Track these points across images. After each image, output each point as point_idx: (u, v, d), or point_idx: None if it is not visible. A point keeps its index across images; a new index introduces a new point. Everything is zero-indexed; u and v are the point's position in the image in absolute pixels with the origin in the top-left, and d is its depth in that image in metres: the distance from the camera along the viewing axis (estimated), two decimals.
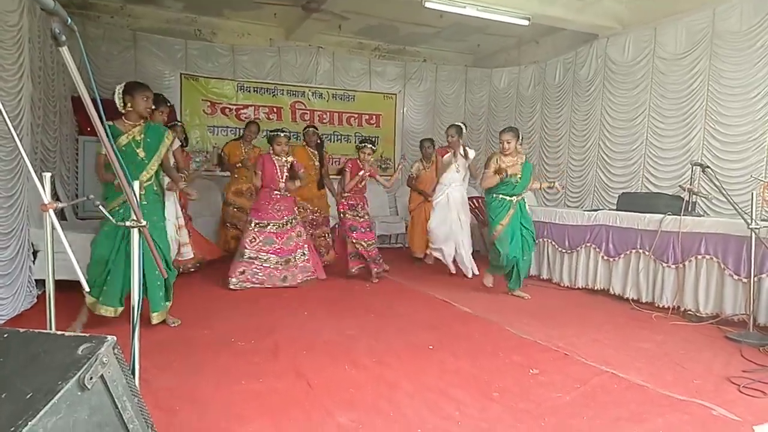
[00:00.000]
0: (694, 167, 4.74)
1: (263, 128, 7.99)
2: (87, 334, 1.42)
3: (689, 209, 4.75)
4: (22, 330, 1.51)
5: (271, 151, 5.31)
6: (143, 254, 3.54)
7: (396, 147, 9.14)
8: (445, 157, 6.09)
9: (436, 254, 6.19)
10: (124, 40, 7.25)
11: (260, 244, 5.23)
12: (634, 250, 4.95)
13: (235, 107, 7.99)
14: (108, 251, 3.61)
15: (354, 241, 5.68)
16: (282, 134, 5.34)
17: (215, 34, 8.01)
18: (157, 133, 3.84)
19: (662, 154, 6.07)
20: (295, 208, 5.64)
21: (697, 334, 4.00)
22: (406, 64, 9.09)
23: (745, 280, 4.02)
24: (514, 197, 5.06)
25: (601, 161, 6.86)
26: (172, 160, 4.20)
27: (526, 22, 6.37)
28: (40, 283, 4.36)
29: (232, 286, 5.08)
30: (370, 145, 5.79)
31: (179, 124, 6.02)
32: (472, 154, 6.04)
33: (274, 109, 8.23)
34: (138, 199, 2.02)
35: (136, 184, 1.93)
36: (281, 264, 5.30)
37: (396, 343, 3.63)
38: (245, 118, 7.92)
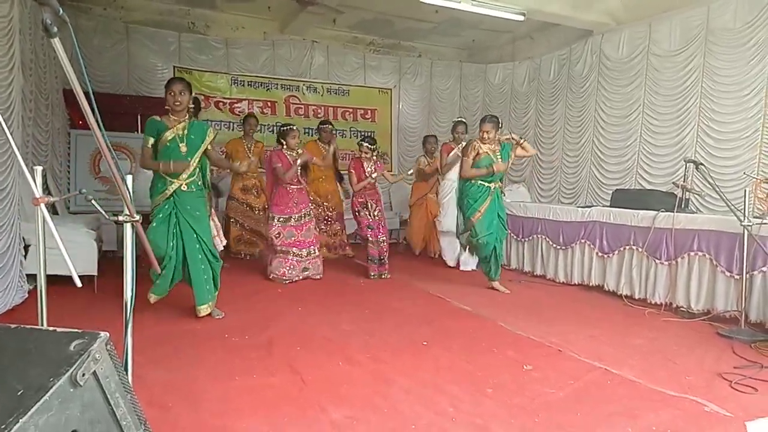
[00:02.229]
0: (687, 164, 4.76)
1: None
2: (79, 330, 1.41)
3: (682, 206, 4.77)
4: (13, 325, 1.49)
5: (285, 146, 5.32)
6: (187, 248, 3.80)
7: (392, 142, 9.11)
8: (451, 153, 6.11)
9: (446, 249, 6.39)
10: (116, 32, 7.18)
11: (284, 238, 5.32)
12: (627, 247, 4.97)
13: (229, 101, 7.95)
14: (164, 243, 3.77)
15: (371, 239, 5.67)
16: (294, 128, 5.40)
17: (209, 27, 7.94)
18: (200, 130, 3.96)
19: (656, 150, 6.08)
20: (310, 203, 5.66)
21: (690, 331, 4.02)
22: (401, 59, 9.07)
23: (737, 277, 4.04)
24: (493, 183, 5.05)
25: (595, 157, 6.88)
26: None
27: (521, 18, 6.36)
28: (31, 277, 4.32)
29: (276, 280, 5.31)
30: (366, 144, 5.76)
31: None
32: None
33: (269, 104, 8.19)
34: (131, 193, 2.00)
35: (129, 179, 1.91)
36: (302, 257, 5.38)
37: (391, 339, 3.63)
38: (239, 112, 7.88)
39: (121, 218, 1.86)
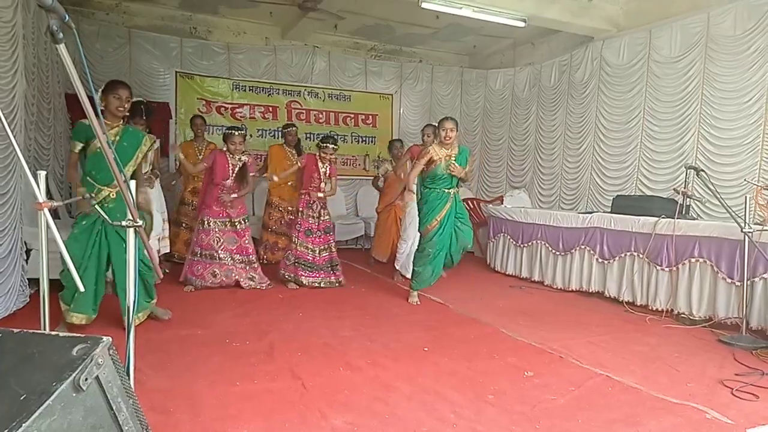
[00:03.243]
0: (688, 170, 4.77)
1: (259, 127, 7.99)
2: (82, 335, 1.41)
3: (683, 212, 4.78)
4: (16, 330, 1.49)
5: (225, 149, 5.14)
6: (114, 258, 3.49)
7: None
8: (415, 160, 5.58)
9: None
10: (118, 37, 7.20)
11: (212, 241, 5.11)
12: (628, 253, 4.97)
13: (230, 106, 7.96)
14: (81, 252, 3.47)
15: (299, 243, 5.37)
16: (237, 132, 5.12)
17: (211, 32, 7.97)
18: (134, 138, 3.70)
19: (656, 156, 6.09)
20: (245, 212, 5.38)
21: (691, 337, 4.02)
22: (402, 65, 9.09)
23: (738, 284, 4.05)
24: (452, 189, 4.87)
25: (596, 163, 6.89)
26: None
27: (522, 24, 6.38)
28: (33, 282, 4.32)
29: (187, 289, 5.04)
30: (332, 145, 5.41)
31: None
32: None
33: (270, 109, 8.20)
34: (135, 197, 2.00)
35: (132, 183, 1.92)
36: (228, 262, 5.16)
37: (391, 345, 3.63)
38: (241, 117, 7.91)
39: (123, 223, 1.87)
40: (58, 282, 2.99)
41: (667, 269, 4.61)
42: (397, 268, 5.89)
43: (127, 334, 1.87)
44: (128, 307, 1.91)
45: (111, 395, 1.39)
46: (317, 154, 5.49)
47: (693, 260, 4.42)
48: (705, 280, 4.35)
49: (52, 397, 1.23)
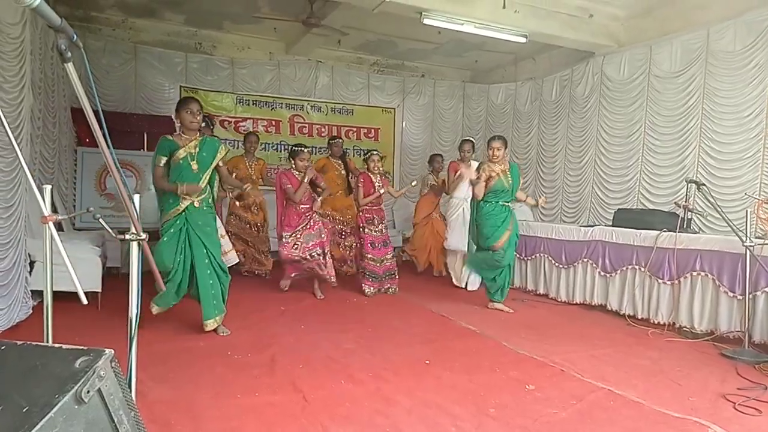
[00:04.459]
0: (689, 184, 4.79)
1: (262, 141, 8.05)
2: (84, 347, 1.42)
3: (684, 226, 4.78)
4: (19, 342, 1.51)
5: (293, 167, 5.31)
6: (197, 262, 3.85)
7: (395, 161, 9.18)
8: (457, 173, 6.16)
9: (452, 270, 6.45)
10: (124, 52, 7.31)
11: (300, 244, 5.29)
12: (630, 266, 4.97)
13: (233, 120, 8.04)
14: (171, 257, 3.85)
15: (369, 256, 5.71)
16: (306, 149, 5.36)
17: (215, 47, 8.07)
18: (211, 147, 4.02)
19: (658, 170, 6.11)
20: (319, 222, 5.56)
21: (693, 351, 4.01)
22: (404, 79, 9.17)
23: (740, 298, 4.04)
24: (510, 203, 5.11)
25: (597, 177, 6.91)
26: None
27: (523, 40, 6.44)
28: (36, 293, 4.34)
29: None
30: (376, 152, 5.86)
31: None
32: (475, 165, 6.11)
33: (273, 122, 8.28)
34: (137, 210, 2.03)
35: (136, 198, 1.94)
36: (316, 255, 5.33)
37: (393, 358, 3.62)
38: (244, 130, 7.96)
39: (127, 236, 1.89)
40: (61, 294, 2.99)
41: (668, 283, 4.61)
42: (457, 283, 6.35)
43: (129, 347, 1.88)
44: (130, 320, 1.93)
45: (113, 408, 1.40)
46: (368, 168, 5.82)
47: (695, 274, 4.41)
48: (707, 293, 4.34)
49: (55, 410, 1.24)
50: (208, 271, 3.91)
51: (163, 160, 3.89)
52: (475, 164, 6.12)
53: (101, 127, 1.58)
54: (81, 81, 1.52)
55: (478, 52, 8.50)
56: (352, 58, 8.96)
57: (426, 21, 5.89)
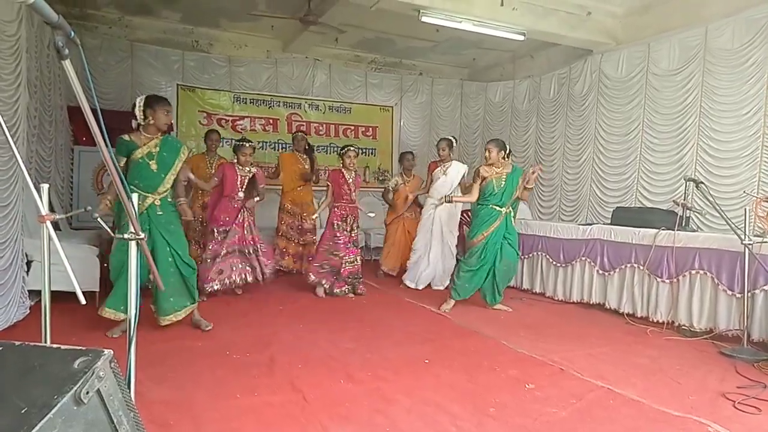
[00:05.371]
0: (687, 182, 4.79)
1: (259, 140, 8.03)
2: (83, 348, 1.41)
3: (683, 224, 4.79)
4: (17, 343, 1.49)
5: (235, 161, 5.23)
6: (157, 260, 3.73)
7: (393, 159, 9.16)
8: (434, 172, 6.19)
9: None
10: (121, 50, 7.27)
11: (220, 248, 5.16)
12: (628, 265, 4.97)
13: (231, 118, 8.00)
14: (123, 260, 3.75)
15: (334, 253, 5.48)
16: (248, 144, 5.26)
17: (212, 46, 8.04)
18: (173, 147, 3.94)
19: (656, 168, 6.11)
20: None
21: (692, 350, 4.01)
22: (402, 77, 9.15)
23: (738, 296, 4.04)
24: (503, 208, 5.03)
25: (596, 175, 6.91)
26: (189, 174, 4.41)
27: (521, 38, 6.44)
28: (33, 293, 4.32)
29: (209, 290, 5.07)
30: (353, 147, 5.63)
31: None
32: (463, 169, 6.11)
33: (270, 121, 8.25)
34: (136, 211, 2.01)
35: (135, 197, 1.93)
36: (244, 254, 5.23)
37: (392, 357, 3.61)
38: (241, 129, 7.95)
39: (126, 236, 1.87)
40: (58, 293, 2.98)
41: (667, 281, 4.61)
42: (402, 279, 6.16)
43: (128, 346, 1.87)
44: (129, 320, 1.91)
45: (112, 408, 1.38)
46: (342, 163, 5.60)
47: (693, 272, 4.41)
48: (705, 292, 4.34)
49: (53, 411, 1.23)
50: (171, 269, 3.86)
51: (123, 160, 3.79)
52: (463, 168, 6.11)
53: (99, 126, 1.57)
54: (78, 78, 1.50)
55: (476, 50, 8.49)
56: (350, 56, 8.93)
57: (424, 18, 5.88)
